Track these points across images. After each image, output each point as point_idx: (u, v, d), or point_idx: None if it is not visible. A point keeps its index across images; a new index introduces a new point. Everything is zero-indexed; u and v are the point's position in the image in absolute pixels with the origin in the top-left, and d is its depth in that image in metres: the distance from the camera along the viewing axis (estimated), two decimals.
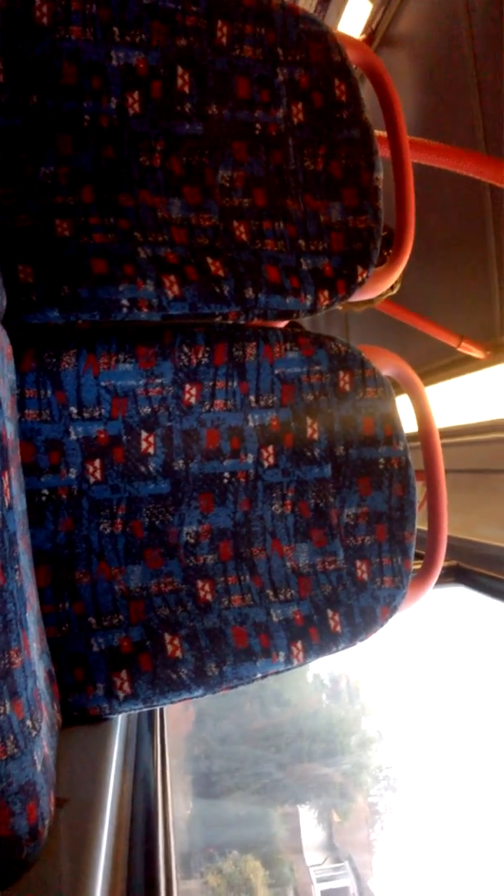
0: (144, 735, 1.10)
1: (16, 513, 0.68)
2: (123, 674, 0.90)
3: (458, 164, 1.36)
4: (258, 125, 1.04)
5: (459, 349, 2.06)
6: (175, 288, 0.93)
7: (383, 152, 1.10)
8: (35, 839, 0.61)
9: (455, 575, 2.04)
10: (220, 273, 0.96)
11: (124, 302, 0.90)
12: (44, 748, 0.67)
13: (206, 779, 16.29)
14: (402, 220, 1.10)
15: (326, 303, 1.03)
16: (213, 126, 1.01)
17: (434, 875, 18.75)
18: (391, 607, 1.08)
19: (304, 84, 1.06)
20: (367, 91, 1.11)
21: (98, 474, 0.93)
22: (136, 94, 0.96)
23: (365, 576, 1.07)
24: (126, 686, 0.90)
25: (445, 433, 1.85)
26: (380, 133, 1.11)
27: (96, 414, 0.93)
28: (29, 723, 0.63)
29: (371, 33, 2.38)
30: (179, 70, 0.99)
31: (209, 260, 0.97)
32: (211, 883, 14.02)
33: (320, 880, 16.59)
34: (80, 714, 0.89)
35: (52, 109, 0.92)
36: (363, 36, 2.42)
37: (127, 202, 0.94)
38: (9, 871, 0.59)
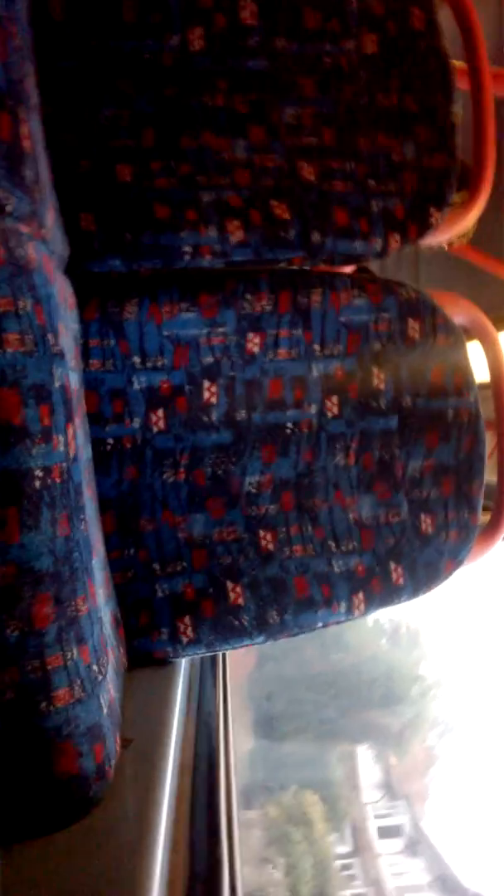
0: (207, 678, 1.13)
1: (81, 463, 0.69)
2: (187, 619, 0.92)
3: None
4: (328, 59, 0.99)
5: None
6: (238, 233, 0.90)
7: (462, 85, 1.04)
8: (102, 778, 0.63)
9: None
10: (286, 216, 0.93)
11: (186, 249, 0.88)
12: (110, 691, 0.69)
13: (267, 721, 16.75)
14: (480, 158, 1.05)
15: (397, 246, 0.99)
16: (280, 61, 0.96)
17: (487, 818, 19.01)
18: (456, 561, 1.06)
19: (379, 12, 1.00)
20: (445, 17, 1.04)
21: (161, 424, 0.93)
22: (198, 30, 0.93)
23: (430, 529, 1.05)
24: (189, 631, 0.92)
25: None
26: (459, 64, 1.05)
27: (159, 364, 0.93)
28: (95, 667, 0.65)
29: None
30: (243, 1, 0.94)
31: (274, 203, 0.94)
32: (271, 814, 14.57)
33: (377, 817, 17.05)
34: (145, 657, 0.91)
35: (113, 49, 0.89)
36: None
37: (189, 144, 0.91)
38: (78, 807, 0.61)
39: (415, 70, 1.01)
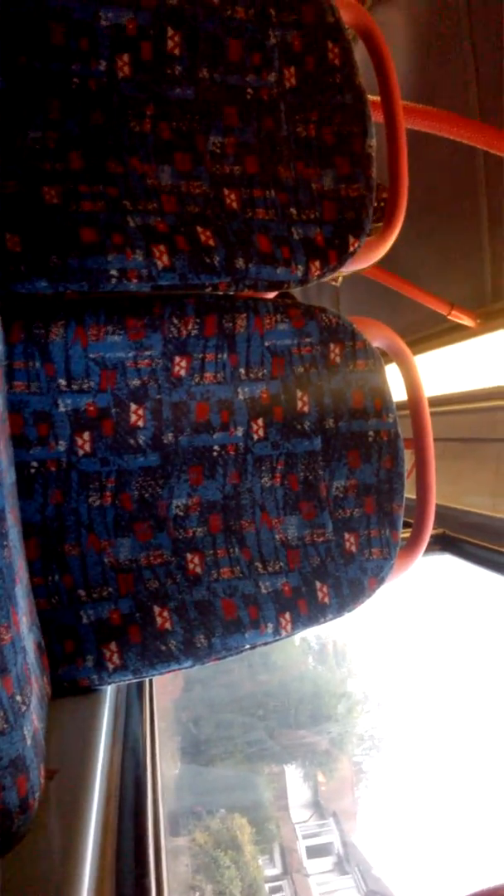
0: (133, 704, 1.11)
1: (4, 487, 0.68)
2: (113, 645, 0.91)
3: (453, 131, 1.33)
4: (250, 90, 1.01)
5: (450, 317, 2.05)
6: (165, 258, 0.91)
7: (376, 117, 1.08)
8: (25, 812, 0.61)
9: (442, 543, 2.06)
10: (211, 243, 0.95)
11: (113, 272, 0.88)
12: (33, 722, 0.67)
13: (194, 746, 16.56)
14: (394, 188, 1.08)
15: (318, 273, 1.01)
16: (204, 90, 0.98)
17: (414, 831, 19.27)
18: (379, 578, 1.08)
19: (297, 47, 1.03)
20: (359, 52, 1.08)
21: (87, 447, 0.92)
22: (125, 57, 0.93)
23: (353, 548, 1.07)
24: (116, 658, 0.90)
25: (435, 402, 1.84)
26: (373, 98, 1.09)
27: (85, 386, 0.92)
28: (18, 698, 0.63)
29: None
30: (170, 31, 0.96)
31: (199, 229, 0.95)
32: (198, 840, 14.35)
33: (305, 836, 17.03)
34: (70, 685, 0.89)
35: (40, 71, 0.89)
36: None
37: (116, 169, 0.92)
38: (0, 843, 0.59)
39: (332, 103, 1.05)
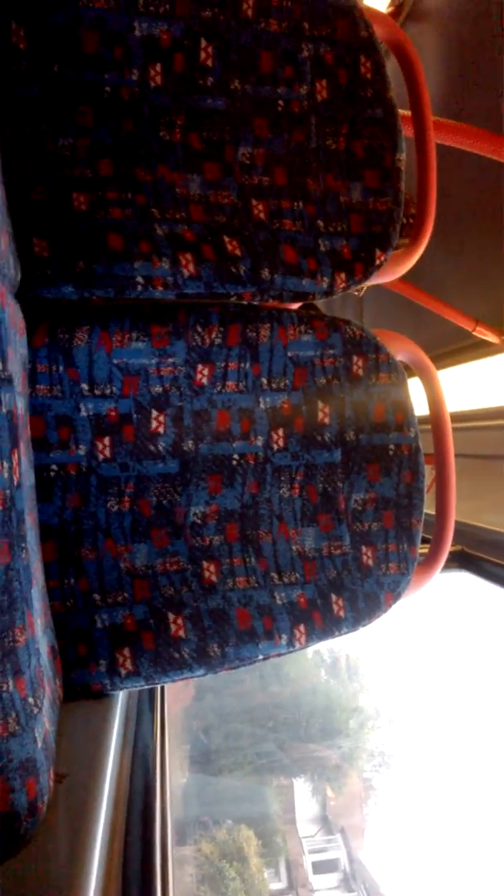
0: (145, 711, 1.11)
1: (24, 490, 0.68)
2: (126, 651, 0.91)
3: (482, 147, 1.33)
4: (281, 102, 1.01)
5: (475, 333, 2.04)
6: (191, 266, 0.91)
7: (407, 132, 1.08)
8: (34, 815, 0.61)
9: (459, 560, 2.04)
10: (237, 252, 0.95)
11: (139, 279, 0.89)
12: (45, 724, 0.67)
13: (204, 755, 16.50)
14: (423, 203, 1.08)
15: (343, 286, 1.01)
16: (235, 101, 0.99)
17: (423, 850, 19.03)
18: (395, 593, 1.08)
19: (329, 60, 1.04)
20: (391, 67, 1.09)
21: (107, 452, 0.93)
22: (157, 67, 0.94)
23: (370, 561, 1.06)
24: (128, 663, 0.90)
25: (457, 417, 1.83)
26: (404, 112, 1.09)
27: (107, 391, 0.92)
28: (31, 700, 0.63)
29: (398, 7, 2.32)
30: (203, 43, 0.97)
31: (226, 238, 0.95)
32: (204, 850, 14.27)
33: (312, 851, 16.88)
34: (82, 689, 0.89)
35: (73, 80, 0.90)
36: (390, 9, 2.36)
37: (145, 177, 0.92)
38: (8, 845, 0.59)
39: (362, 117, 1.05)
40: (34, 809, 0.61)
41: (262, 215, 0.99)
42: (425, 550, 1.20)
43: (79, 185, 0.89)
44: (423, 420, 1.15)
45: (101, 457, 0.93)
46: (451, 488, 1.19)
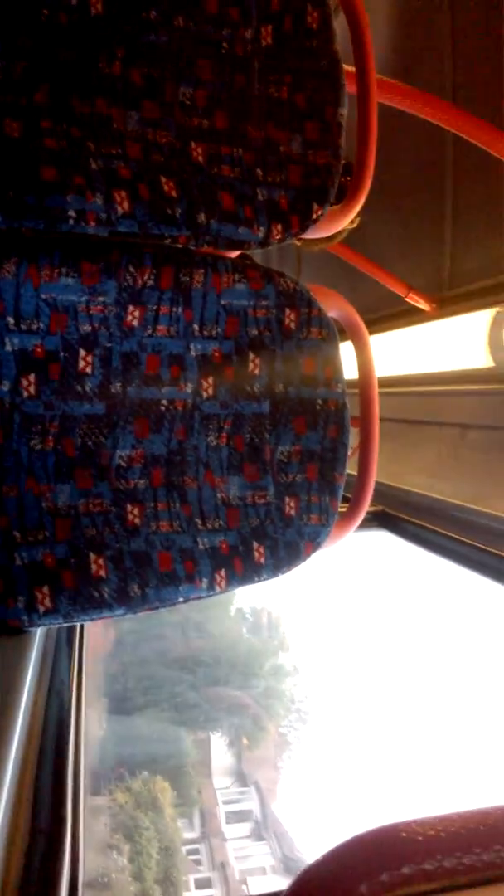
0: (62, 650, 1.12)
1: None
2: (45, 589, 0.91)
3: (424, 109, 1.34)
4: (225, 44, 1.00)
5: (407, 299, 2.08)
6: (125, 204, 0.90)
7: (350, 88, 1.08)
8: None
9: (380, 520, 2.11)
10: (173, 194, 0.94)
11: (71, 213, 0.87)
12: None
13: (121, 696, 16.69)
14: (361, 160, 1.09)
15: (279, 237, 1.02)
16: (178, 39, 0.96)
17: (332, 804, 19.84)
18: (315, 543, 1.11)
19: (276, 6, 1.02)
20: (339, 24, 1.08)
21: (32, 389, 0.92)
22: None
23: (293, 512, 1.09)
24: (47, 601, 0.91)
25: (384, 382, 1.87)
26: (348, 68, 1.09)
27: (34, 327, 0.91)
28: None
29: None
30: None
31: (163, 179, 0.94)
32: (119, 800, 14.50)
33: (226, 802, 17.38)
34: None
35: (9, 0, 0.86)
36: None
37: (82, 108, 0.90)
38: None
39: (306, 67, 1.04)
40: None
41: (200, 158, 0.98)
42: (346, 508, 1.23)
43: (12, 111, 0.86)
44: (351, 384, 1.17)
45: (25, 394, 0.91)
46: (374, 446, 1.22)
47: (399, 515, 2.06)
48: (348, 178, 1.11)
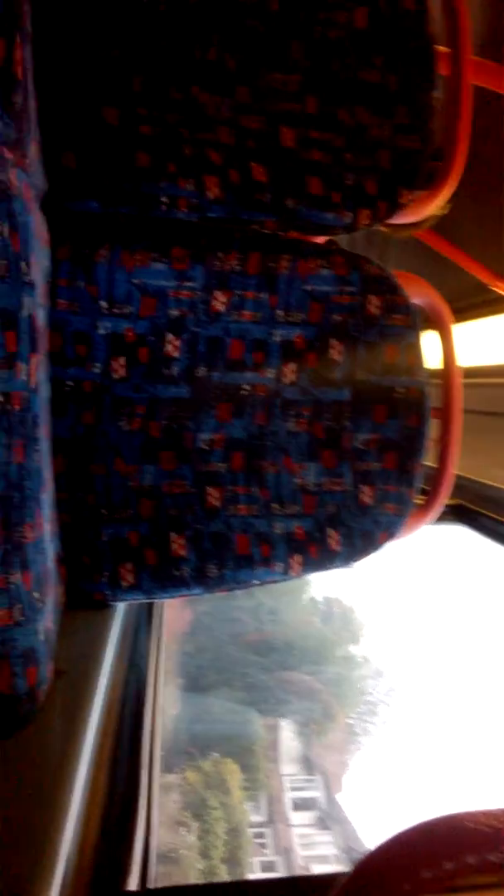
0: (143, 626, 1.15)
1: (40, 397, 0.70)
2: (129, 565, 0.94)
3: None
4: (318, 27, 0.99)
5: (494, 288, 2.02)
6: (216, 189, 0.91)
7: (443, 70, 1.06)
8: (33, 701, 0.65)
9: (457, 514, 2.07)
10: (263, 179, 0.95)
11: (164, 199, 0.89)
12: (48, 621, 0.71)
13: (195, 675, 17.00)
14: (452, 146, 1.07)
15: (366, 222, 1.01)
16: (272, 23, 0.97)
17: (398, 799, 19.67)
18: (390, 533, 1.10)
19: None
20: (434, 2, 1.06)
21: (122, 371, 0.95)
22: None
23: (369, 500, 1.09)
24: (130, 577, 0.94)
25: (468, 373, 1.83)
26: (443, 50, 1.06)
27: (125, 311, 0.93)
28: (36, 595, 0.66)
29: None
30: None
31: (253, 164, 0.95)
32: (190, 779, 14.78)
33: (292, 789, 17.47)
34: (84, 598, 0.93)
35: None
36: None
37: (176, 95, 0.92)
38: (7, 725, 0.64)
39: (400, 49, 1.03)
40: (33, 696, 0.65)
41: (290, 143, 0.98)
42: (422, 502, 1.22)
43: (110, 98, 0.88)
44: (434, 374, 1.15)
45: (115, 376, 0.94)
46: (455, 440, 1.20)
47: (478, 510, 2.01)
48: (438, 163, 1.09)
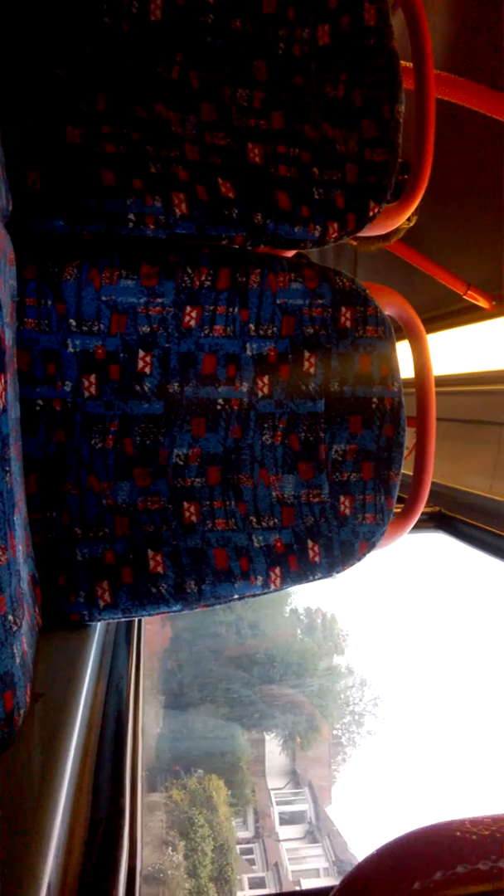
0: (121, 645, 1.14)
1: (10, 418, 0.69)
2: (105, 584, 0.93)
3: (484, 105, 1.32)
4: (281, 44, 1.00)
5: (465, 297, 2.04)
6: (183, 206, 0.91)
7: (407, 84, 1.07)
8: (10, 725, 0.64)
9: (437, 521, 2.08)
10: (230, 195, 0.95)
11: (131, 216, 0.89)
12: (23, 644, 0.70)
13: (177, 692, 16.88)
14: (419, 157, 1.08)
15: (335, 235, 1.02)
16: (236, 41, 0.98)
17: (386, 808, 19.63)
18: (370, 543, 1.10)
19: (333, 4, 1.02)
20: (396, 19, 1.08)
21: (93, 389, 0.94)
22: (157, 0, 0.93)
23: (347, 511, 1.09)
24: (107, 595, 0.93)
25: (441, 381, 1.85)
26: (405, 64, 1.08)
27: (95, 328, 0.93)
28: (11, 618, 0.65)
29: None
30: None
31: (220, 180, 0.95)
32: (175, 797, 14.63)
33: (279, 803, 17.37)
34: (60, 619, 0.92)
35: (71, 8, 0.89)
36: None
37: (141, 113, 0.92)
38: None
39: (364, 65, 1.04)
40: (10, 721, 0.64)
41: (257, 159, 0.98)
42: (400, 509, 1.22)
43: (73, 117, 0.88)
44: (408, 383, 1.16)
45: (86, 394, 0.94)
46: (431, 448, 1.21)
47: (456, 516, 2.03)
48: (405, 176, 1.10)
